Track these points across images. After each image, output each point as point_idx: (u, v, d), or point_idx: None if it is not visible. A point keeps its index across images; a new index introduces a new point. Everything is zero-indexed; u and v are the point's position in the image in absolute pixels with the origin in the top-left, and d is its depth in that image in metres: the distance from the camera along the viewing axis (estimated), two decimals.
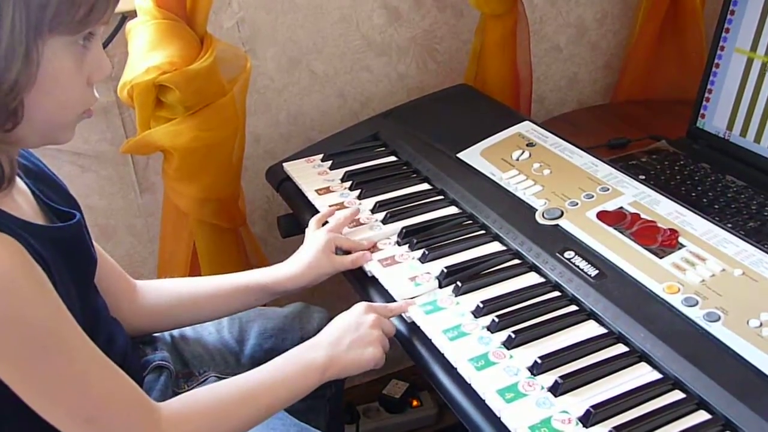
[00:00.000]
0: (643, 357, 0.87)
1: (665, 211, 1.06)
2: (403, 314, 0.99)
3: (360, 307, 0.99)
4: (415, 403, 1.80)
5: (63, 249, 0.82)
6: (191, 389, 1.06)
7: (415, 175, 1.29)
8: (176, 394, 1.01)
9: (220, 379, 1.06)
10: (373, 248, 1.11)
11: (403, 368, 1.84)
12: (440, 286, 1.01)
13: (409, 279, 1.03)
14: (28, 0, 0.69)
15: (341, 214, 1.17)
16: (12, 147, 0.77)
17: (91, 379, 0.77)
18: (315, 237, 1.13)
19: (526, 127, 1.31)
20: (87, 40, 0.76)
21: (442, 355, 0.91)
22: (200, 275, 1.39)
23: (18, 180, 0.83)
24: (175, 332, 1.13)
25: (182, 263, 1.40)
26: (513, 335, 0.90)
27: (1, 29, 0.68)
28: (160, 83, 1.18)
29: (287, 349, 0.97)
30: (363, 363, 0.95)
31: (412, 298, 1.00)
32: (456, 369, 0.88)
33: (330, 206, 1.20)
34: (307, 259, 1.10)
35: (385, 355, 0.97)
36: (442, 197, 1.22)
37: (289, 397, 0.92)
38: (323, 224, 1.16)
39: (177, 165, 1.27)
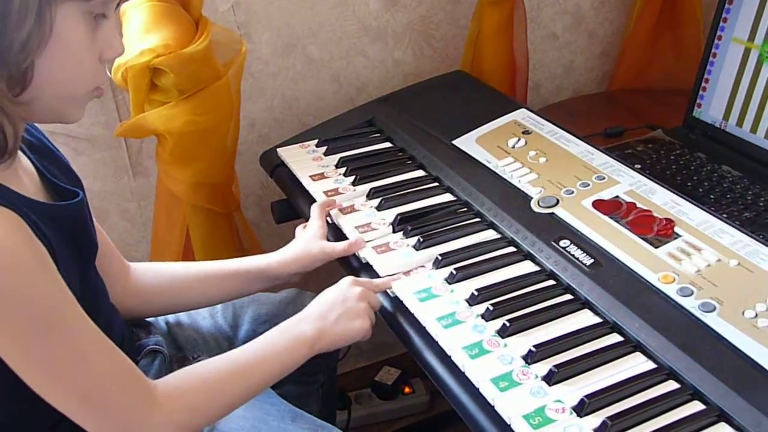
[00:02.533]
0: (637, 347, 0.87)
1: (661, 200, 1.05)
2: (387, 290, 1.00)
3: (346, 280, 1.00)
4: (407, 389, 1.80)
5: (65, 227, 0.82)
6: None
7: (410, 162, 1.28)
8: None
9: None
10: (367, 227, 1.11)
11: (395, 355, 1.84)
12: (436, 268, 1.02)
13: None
14: None
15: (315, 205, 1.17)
16: (19, 120, 0.76)
17: (90, 358, 0.77)
18: (309, 224, 1.13)
19: (522, 115, 1.31)
20: (101, 12, 0.76)
21: (436, 342, 0.91)
22: (193, 260, 1.39)
23: (23, 156, 0.83)
24: (170, 317, 1.13)
25: (175, 248, 1.39)
26: (507, 324, 0.89)
27: None
28: (155, 66, 1.17)
29: None
30: (351, 335, 0.96)
31: (394, 273, 1.01)
32: (450, 357, 0.88)
33: (324, 192, 1.20)
34: (300, 245, 1.11)
35: (372, 328, 0.97)
36: (437, 184, 1.21)
37: (279, 371, 0.92)
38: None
39: (171, 149, 1.26)
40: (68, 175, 0.90)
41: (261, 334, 1.11)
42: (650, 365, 0.85)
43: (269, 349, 0.92)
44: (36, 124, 0.88)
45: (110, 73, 1.21)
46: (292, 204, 1.29)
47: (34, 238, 0.74)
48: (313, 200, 1.19)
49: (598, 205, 1.06)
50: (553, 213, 1.07)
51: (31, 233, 0.73)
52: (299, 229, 1.16)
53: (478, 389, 0.83)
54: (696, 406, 0.79)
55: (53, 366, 0.75)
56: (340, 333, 0.95)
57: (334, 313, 0.95)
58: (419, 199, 1.17)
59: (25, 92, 0.74)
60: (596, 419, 0.78)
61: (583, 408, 0.78)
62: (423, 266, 1.03)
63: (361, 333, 0.96)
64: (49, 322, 0.73)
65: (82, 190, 0.89)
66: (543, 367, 0.84)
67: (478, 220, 1.12)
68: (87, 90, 0.79)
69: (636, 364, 0.85)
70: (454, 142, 1.28)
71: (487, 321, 0.92)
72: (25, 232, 0.73)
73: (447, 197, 1.18)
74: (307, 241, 1.11)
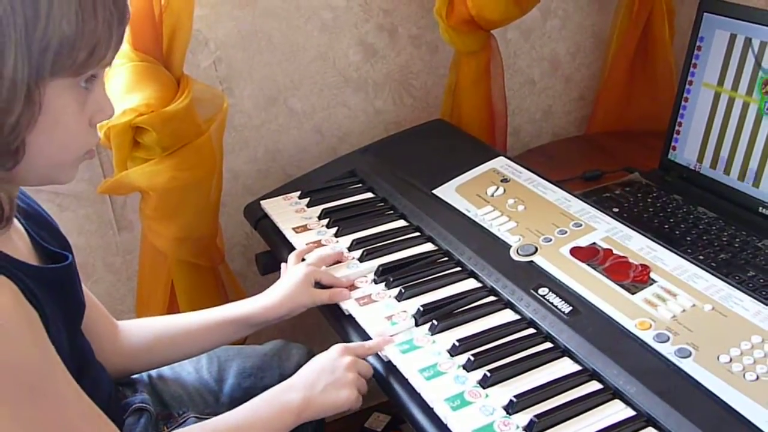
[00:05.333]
0: (616, 394, 0.88)
1: (637, 246, 1.07)
2: (379, 352, 1.00)
3: (336, 349, 1.00)
4: None
5: (55, 290, 0.82)
6: (171, 431, 1.06)
7: (391, 212, 1.30)
8: None
9: (199, 419, 1.06)
10: (351, 287, 1.12)
11: (385, 401, 1.83)
12: (416, 325, 1.02)
13: (386, 318, 1.04)
14: (29, 43, 0.69)
15: (323, 251, 1.19)
16: (12, 186, 0.78)
17: (76, 426, 0.77)
18: (295, 269, 1.14)
19: (500, 163, 1.33)
20: (89, 82, 0.77)
21: (419, 394, 0.92)
22: (179, 313, 1.39)
23: (15, 220, 0.84)
24: (154, 373, 1.13)
25: (160, 301, 1.40)
26: (488, 374, 0.90)
27: (3, 72, 0.69)
28: (137, 125, 1.18)
29: (266, 388, 0.98)
30: (338, 405, 0.96)
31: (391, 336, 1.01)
32: (433, 409, 0.89)
33: (307, 244, 1.21)
34: (284, 289, 1.11)
35: (361, 397, 0.98)
36: (418, 234, 1.23)
37: None
38: (303, 258, 1.17)
39: (155, 205, 1.28)
40: (58, 239, 0.91)
41: (246, 387, 1.13)
42: (629, 412, 0.86)
43: (254, 418, 0.92)
44: (24, 188, 0.90)
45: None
46: (276, 256, 1.30)
47: (26, 303, 0.75)
48: None
49: (575, 252, 1.08)
50: (532, 261, 1.09)
51: (23, 299, 0.74)
52: (291, 262, 1.16)
53: None
54: None
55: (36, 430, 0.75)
56: (326, 403, 0.95)
57: (322, 383, 0.96)
58: (401, 250, 1.19)
59: (18, 165, 0.74)
60: None
61: None
62: (405, 311, 1.05)
63: (348, 403, 0.96)
64: (36, 389, 0.73)
65: (71, 252, 0.90)
66: (524, 417, 0.85)
67: (458, 269, 1.13)
68: (78, 155, 0.80)
69: (615, 411, 0.86)
70: (434, 191, 1.30)
71: (468, 371, 0.93)
72: (16, 298, 0.73)
73: (428, 247, 1.20)
74: (294, 287, 1.11)
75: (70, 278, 0.88)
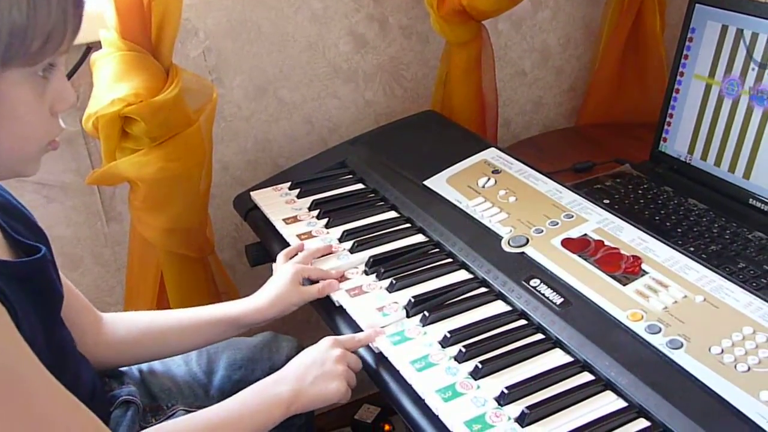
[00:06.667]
0: (608, 385, 0.88)
1: (628, 237, 1.07)
2: (370, 344, 1.00)
3: (326, 341, 1.00)
4: (387, 427, 1.80)
5: (27, 284, 0.80)
6: (159, 423, 1.05)
7: (382, 203, 1.29)
8: (143, 429, 1.01)
9: (188, 412, 1.05)
10: (342, 278, 1.11)
11: (374, 392, 1.84)
12: (408, 316, 1.02)
13: (377, 309, 1.03)
14: None
15: (312, 245, 1.18)
16: None
17: (52, 420, 0.75)
18: (283, 269, 1.13)
19: (491, 154, 1.33)
20: (47, 70, 0.74)
21: (410, 386, 0.91)
22: (168, 304, 1.39)
23: None
24: (143, 366, 1.13)
25: (149, 293, 1.39)
26: (480, 365, 0.90)
27: None
28: (126, 115, 1.17)
29: (256, 380, 0.97)
30: (327, 397, 0.96)
31: (381, 327, 1.01)
32: (424, 401, 0.89)
33: (298, 236, 1.21)
34: (274, 291, 1.11)
35: (350, 390, 0.98)
36: (409, 225, 1.23)
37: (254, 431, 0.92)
38: (291, 257, 1.17)
39: (143, 196, 1.27)
40: (32, 230, 0.89)
41: (236, 379, 1.12)
42: (621, 404, 0.86)
43: (243, 410, 0.92)
44: None
45: (80, 122, 1.22)
46: (266, 247, 1.29)
47: None
48: (287, 244, 1.20)
49: (566, 243, 1.08)
50: (523, 252, 1.09)
51: None
52: (280, 262, 1.16)
53: None
54: None
55: (12, 428, 0.73)
56: (316, 395, 0.95)
57: (311, 375, 0.95)
58: (392, 241, 1.19)
59: None
60: None
61: None
62: (396, 302, 1.04)
63: (337, 396, 0.96)
64: (5, 384, 0.71)
65: (46, 244, 0.88)
66: (515, 408, 0.85)
67: (450, 260, 1.13)
68: (40, 147, 0.78)
69: (607, 402, 0.86)
70: (425, 182, 1.29)
71: (459, 363, 0.92)
72: None
73: (419, 238, 1.19)
74: (283, 287, 1.10)
75: (44, 271, 0.86)
